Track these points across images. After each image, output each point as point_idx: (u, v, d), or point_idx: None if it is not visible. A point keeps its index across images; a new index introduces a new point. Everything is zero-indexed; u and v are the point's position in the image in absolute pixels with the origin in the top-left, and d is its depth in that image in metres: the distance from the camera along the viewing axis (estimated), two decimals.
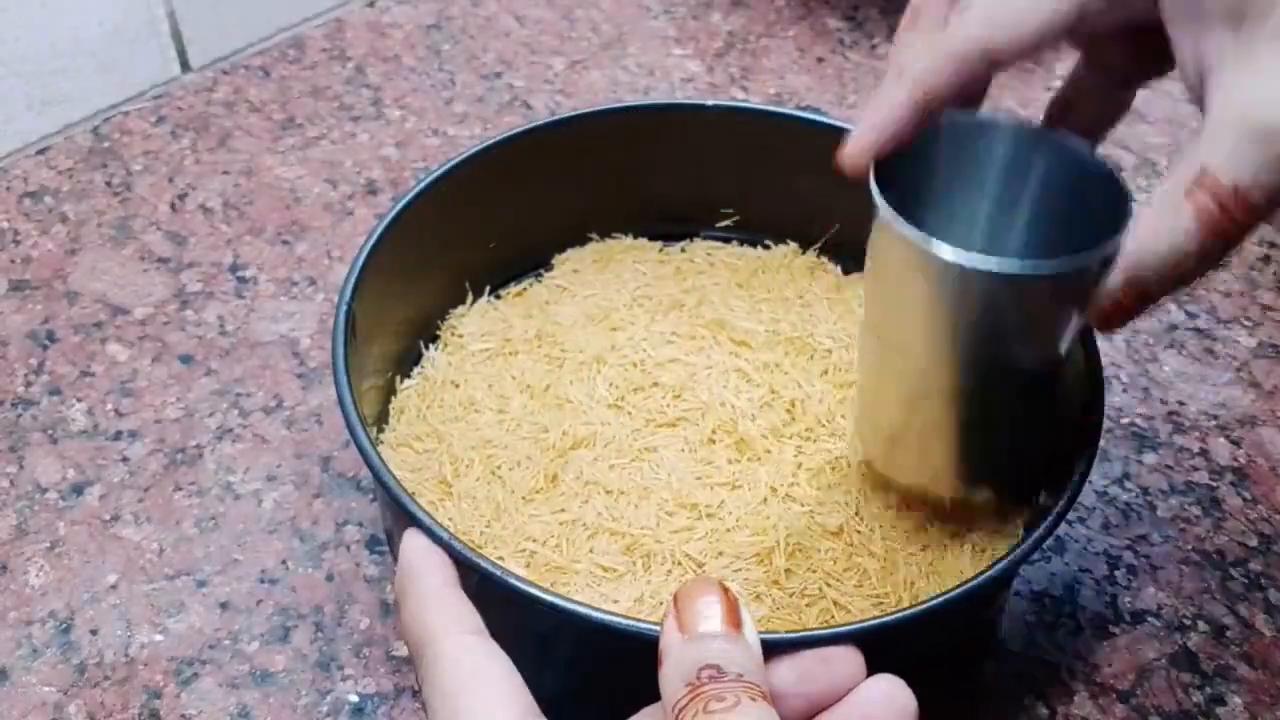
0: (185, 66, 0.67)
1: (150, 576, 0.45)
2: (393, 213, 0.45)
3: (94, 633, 0.44)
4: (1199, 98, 0.31)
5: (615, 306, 0.50)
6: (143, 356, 0.53)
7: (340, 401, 0.39)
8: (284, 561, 0.46)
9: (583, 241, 0.53)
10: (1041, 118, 0.39)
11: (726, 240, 0.54)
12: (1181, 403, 0.53)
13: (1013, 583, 0.45)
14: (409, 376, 0.48)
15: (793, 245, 0.53)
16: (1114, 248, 0.32)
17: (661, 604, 0.40)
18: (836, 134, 0.38)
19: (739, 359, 0.48)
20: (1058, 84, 0.39)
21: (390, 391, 0.48)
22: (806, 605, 0.41)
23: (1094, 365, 0.42)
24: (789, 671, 0.31)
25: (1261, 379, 0.54)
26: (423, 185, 0.47)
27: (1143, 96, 0.39)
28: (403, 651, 0.43)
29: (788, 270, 0.52)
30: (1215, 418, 0.53)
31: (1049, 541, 0.42)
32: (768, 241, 0.54)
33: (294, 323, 0.55)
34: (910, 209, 0.33)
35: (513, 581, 0.35)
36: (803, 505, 0.43)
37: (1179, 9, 0.30)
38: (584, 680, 0.41)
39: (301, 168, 0.63)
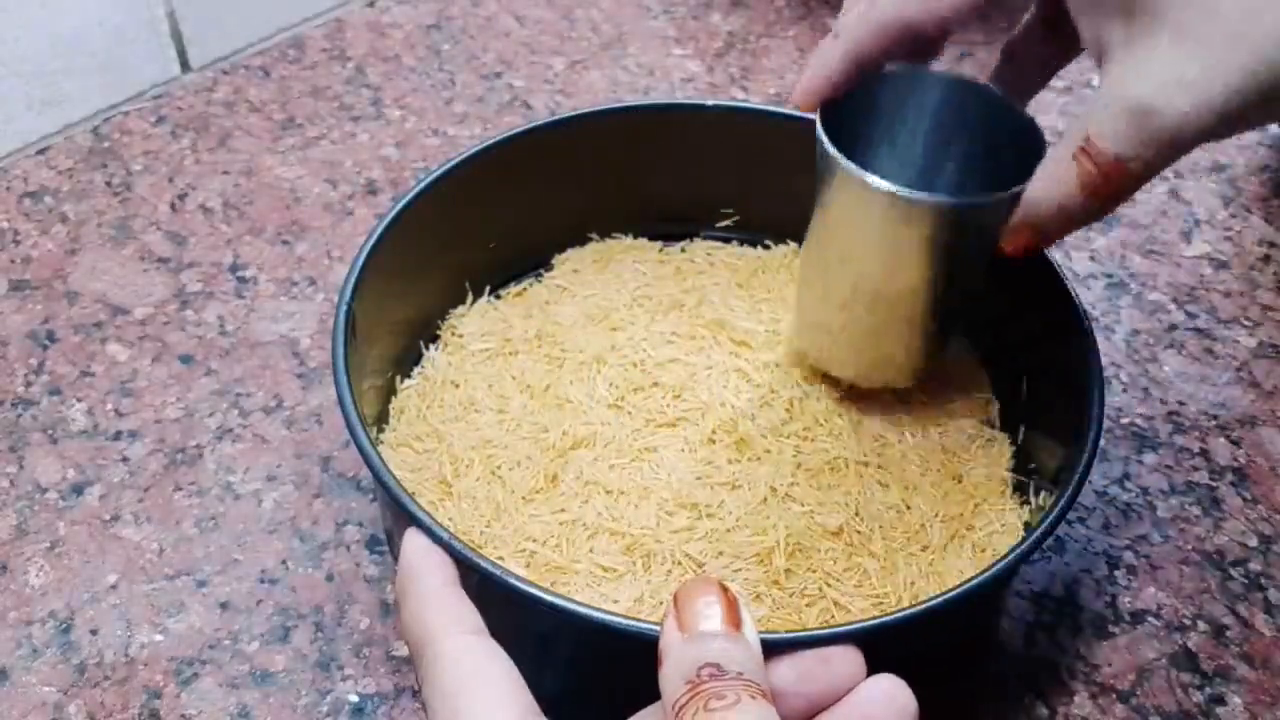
0: (185, 66, 0.67)
1: (150, 576, 0.45)
2: (393, 213, 0.45)
3: (94, 633, 0.44)
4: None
5: (615, 306, 0.50)
6: (143, 356, 0.53)
7: (340, 401, 0.39)
8: (284, 561, 0.46)
9: (583, 241, 0.53)
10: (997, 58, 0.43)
11: (726, 240, 0.54)
12: (1181, 403, 0.53)
13: (1013, 583, 0.45)
14: (409, 376, 0.48)
15: (793, 245, 0.53)
16: (1018, 191, 0.37)
17: (661, 604, 0.40)
18: None
19: (739, 359, 0.48)
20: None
21: (390, 391, 0.48)
22: (806, 605, 0.41)
23: (1094, 365, 0.42)
24: (789, 671, 0.31)
25: (1261, 379, 0.54)
26: (423, 185, 0.47)
27: None
28: (403, 651, 0.43)
29: (788, 270, 0.52)
30: (1215, 418, 0.53)
31: (1049, 541, 0.42)
32: (768, 241, 0.54)
33: (294, 323, 0.55)
34: (855, 149, 0.39)
35: (513, 581, 0.35)
36: (803, 505, 0.43)
37: (1085, 2, 0.34)
38: (584, 680, 0.41)
39: (301, 168, 0.63)
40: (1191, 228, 0.62)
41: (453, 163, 0.48)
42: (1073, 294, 0.44)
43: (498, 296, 0.52)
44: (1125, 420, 0.52)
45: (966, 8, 0.37)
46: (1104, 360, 0.43)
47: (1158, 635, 0.45)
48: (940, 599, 0.36)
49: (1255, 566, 0.47)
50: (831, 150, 0.39)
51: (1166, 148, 0.33)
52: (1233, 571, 0.47)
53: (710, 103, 0.52)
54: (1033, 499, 0.44)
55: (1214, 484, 0.50)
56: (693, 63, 0.70)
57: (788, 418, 0.46)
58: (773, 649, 0.37)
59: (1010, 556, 0.36)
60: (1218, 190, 0.64)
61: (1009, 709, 0.43)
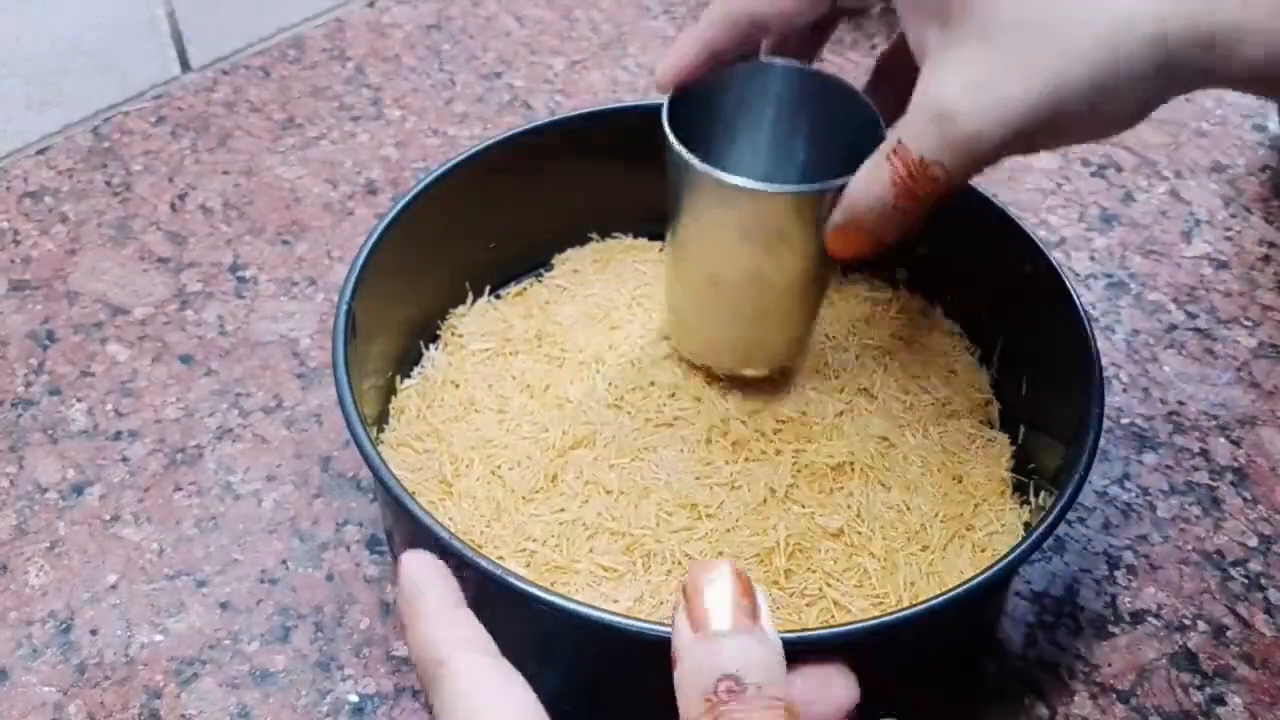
0: (185, 66, 0.67)
1: (150, 576, 0.45)
2: (393, 213, 0.45)
3: (94, 633, 0.44)
4: None
5: (615, 306, 0.50)
6: (143, 356, 0.53)
7: (340, 401, 0.39)
8: (284, 561, 0.46)
9: (583, 241, 0.53)
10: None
11: None
12: (1181, 403, 0.53)
13: (1012, 583, 0.45)
14: (409, 376, 0.48)
15: None
16: (842, 184, 0.38)
17: (662, 604, 0.40)
18: None
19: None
20: None
21: (390, 391, 0.48)
22: (806, 605, 0.41)
23: (1094, 365, 0.42)
24: (801, 685, 0.31)
25: (1261, 379, 0.54)
26: (423, 185, 0.47)
27: None
28: (403, 651, 0.43)
29: None
30: (1215, 418, 0.53)
31: (1049, 541, 0.42)
32: None
33: (294, 323, 0.55)
34: (705, 139, 0.41)
35: (513, 581, 0.35)
36: (803, 506, 0.43)
37: (907, 4, 0.35)
38: (584, 680, 0.41)
39: (301, 168, 0.63)
40: (1191, 228, 0.62)
41: (453, 163, 0.47)
42: (1073, 294, 0.44)
43: (498, 296, 0.52)
44: (1125, 420, 0.52)
45: (807, 5, 0.38)
46: (1104, 360, 0.43)
47: (1158, 635, 0.45)
48: (940, 599, 0.36)
49: (1255, 566, 0.47)
50: (668, 132, 0.39)
51: (966, 155, 0.33)
52: (1233, 571, 0.47)
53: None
54: (1033, 499, 0.44)
55: (1214, 484, 0.50)
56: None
57: (788, 418, 0.46)
58: None
59: (1010, 556, 0.36)
60: (1218, 190, 0.64)
61: (1009, 709, 0.43)
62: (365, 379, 0.44)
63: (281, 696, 0.42)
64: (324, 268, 0.57)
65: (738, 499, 0.43)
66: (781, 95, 0.43)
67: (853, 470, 0.44)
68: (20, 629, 0.44)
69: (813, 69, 0.42)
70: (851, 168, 0.37)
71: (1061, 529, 0.48)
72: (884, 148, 0.36)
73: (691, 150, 0.39)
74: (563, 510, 0.43)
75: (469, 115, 0.66)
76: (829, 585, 0.41)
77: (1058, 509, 0.37)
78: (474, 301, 0.51)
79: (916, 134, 0.34)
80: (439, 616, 0.31)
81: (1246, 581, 0.47)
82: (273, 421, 0.51)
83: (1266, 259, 0.60)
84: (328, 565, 0.46)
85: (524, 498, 0.43)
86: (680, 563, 0.41)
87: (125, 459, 0.49)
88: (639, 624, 0.35)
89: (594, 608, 0.35)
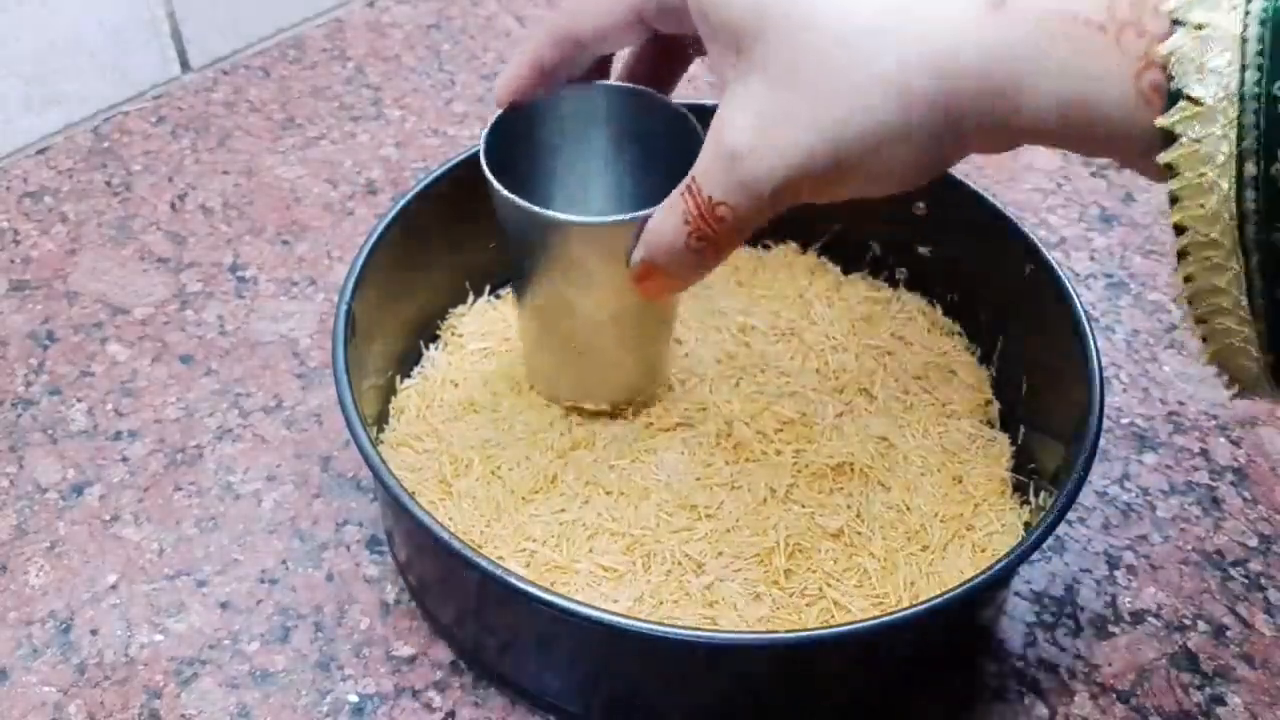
0: (185, 66, 0.67)
1: (150, 576, 0.45)
2: (393, 213, 0.45)
3: (94, 633, 0.44)
4: None
5: None
6: (143, 356, 0.53)
7: (340, 401, 0.39)
8: (284, 561, 0.46)
9: None
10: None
11: None
12: (1181, 403, 0.53)
13: (1012, 583, 0.45)
14: (409, 376, 0.48)
15: (793, 245, 0.53)
16: (643, 217, 0.36)
17: (661, 604, 0.40)
18: None
19: (738, 359, 0.48)
20: None
21: (390, 391, 0.48)
22: (806, 605, 0.41)
23: (1094, 365, 0.42)
24: None
25: None
26: (423, 185, 0.47)
27: None
28: (403, 651, 0.43)
29: (788, 270, 0.52)
30: (1215, 418, 0.53)
31: (1049, 541, 0.42)
32: (768, 241, 0.54)
33: (294, 323, 0.55)
34: (534, 163, 0.41)
35: (513, 581, 0.35)
36: (803, 506, 0.43)
37: (709, 34, 0.33)
38: (584, 679, 0.41)
39: (301, 168, 0.63)
40: None
41: (453, 163, 0.47)
42: (1073, 294, 0.44)
43: (498, 296, 0.52)
44: (1125, 420, 0.52)
45: (620, 22, 0.37)
46: (1104, 360, 0.43)
47: (1158, 635, 0.45)
48: (940, 599, 0.36)
49: (1255, 566, 0.47)
50: (492, 180, 0.38)
51: (752, 197, 0.32)
52: (1233, 571, 0.47)
53: (710, 103, 0.52)
54: (1033, 499, 0.44)
55: (1214, 484, 0.50)
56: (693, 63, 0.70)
57: (788, 419, 0.46)
58: (774, 649, 0.37)
59: (1010, 556, 0.36)
60: None
61: (1009, 709, 0.43)
62: (365, 379, 0.44)
63: (281, 696, 0.42)
64: (324, 268, 0.57)
65: (738, 499, 0.43)
66: (610, 116, 0.41)
67: (853, 470, 0.44)
68: (20, 629, 0.44)
69: (640, 88, 0.40)
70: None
71: (1061, 529, 0.48)
72: (681, 186, 0.34)
73: (521, 175, 0.38)
74: (563, 510, 0.43)
75: (469, 115, 0.66)
76: (829, 585, 0.41)
77: (1058, 509, 0.37)
78: (474, 301, 0.51)
79: (706, 171, 0.33)
80: None
81: (1246, 581, 0.47)
82: (273, 421, 0.51)
83: None
84: (328, 565, 0.46)
85: (524, 498, 0.43)
86: (680, 563, 0.41)
87: (125, 459, 0.49)
88: (639, 624, 0.35)
89: (594, 608, 0.35)
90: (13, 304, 0.55)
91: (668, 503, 0.43)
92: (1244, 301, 0.27)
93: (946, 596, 0.36)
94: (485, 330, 0.50)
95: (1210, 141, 0.25)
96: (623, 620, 0.35)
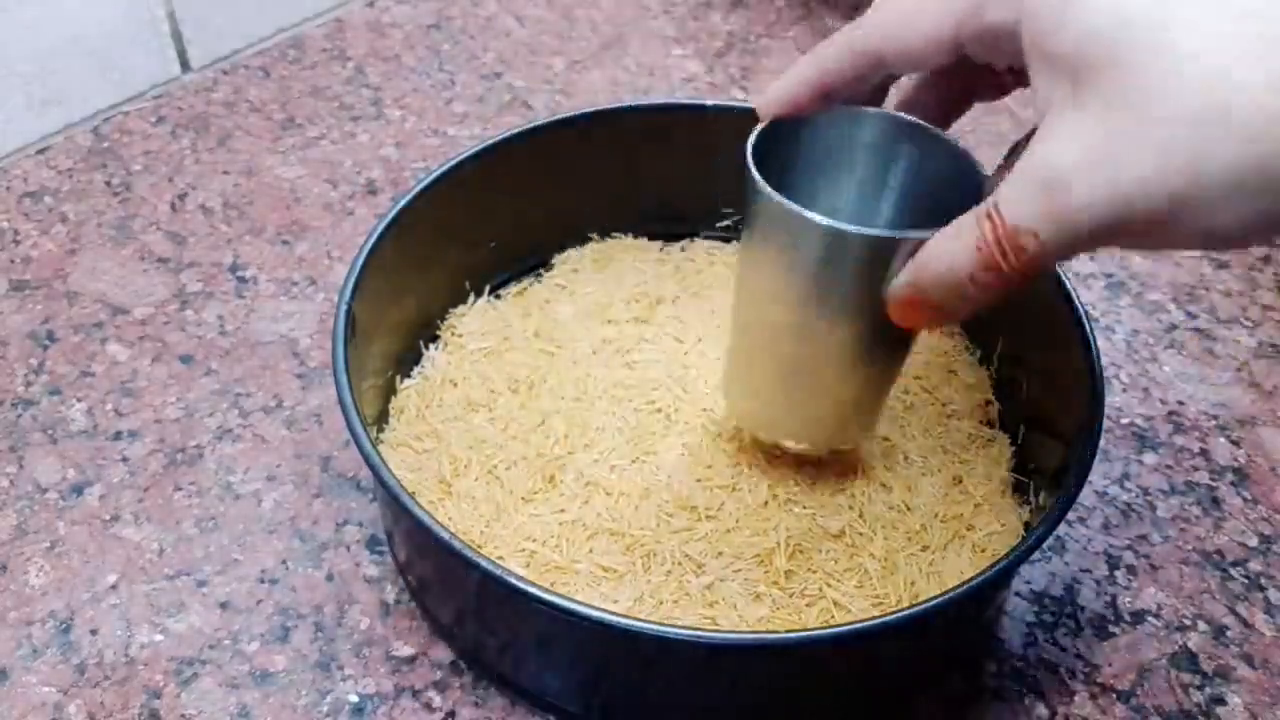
0: (185, 66, 0.67)
1: (150, 576, 0.45)
2: (393, 213, 0.45)
3: (94, 633, 0.44)
4: None
5: (614, 306, 0.50)
6: (143, 356, 0.53)
7: (340, 401, 0.39)
8: (284, 561, 0.46)
9: (583, 241, 0.53)
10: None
11: (726, 240, 0.54)
12: (1181, 403, 0.53)
13: (1012, 583, 0.45)
14: (409, 376, 0.48)
15: None
16: (918, 239, 0.33)
17: (661, 604, 0.40)
18: None
19: None
20: None
21: (390, 391, 0.48)
22: (807, 605, 0.41)
23: (1094, 365, 0.42)
24: None
25: (1261, 379, 0.54)
26: (423, 185, 0.47)
27: None
28: (403, 651, 0.43)
29: None
30: (1215, 418, 0.53)
31: (1049, 541, 0.42)
32: None
33: (294, 323, 0.55)
34: (788, 182, 0.37)
35: (514, 582, 0.35)
36: (804, 507, 0.43)
37: (1040, 61, 0.30)
38: (584, 679, 0.41)
39: (301, 168, 0.63)
40: None
41: (453, 163, 0.48)
42: (1073, 294, 0.44)
43: (497, 296, 0.52)
44: (1125, 420, 0.52)
45: (936, 51, 0.33)
46: (1104, 360, 0.43)
47: (1158, 635, 0.45)
48: (940, 599, 0.36)
49: (1255, 566, 0.47)
50: (757, 177, 0.35)
51: (1068, 230, 0.29)
52: (1233, 571, 0.47)
53: (710, 103, 0.52)
54: (1033, 499, 0.44)
55: (1214, 484, 0.50)
56: (693, 63, 0.70)
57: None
58: (774, 649, 0.37)
59: (1010, 557, 0.36)
60: None
61: (1009, 709, 0.43)
62: (365, 379, 0.44)
63: (281, 696, 0.42)
64: (324, 268, 0.57)
65: (738, 500, 0.43)
66: (876, 144, 0.38)
67: (853, 471, 0.44)
68: (20, 629, 0.44)
69: (916, 120, 0.37)
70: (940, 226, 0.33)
71: (1061, 529, 0.48)
72: (975, 211, 0.31)
73: (778, 187, 0.35)
74: (562, 511, 0.43)
75: (469, 115, 0.66)
76: (829, 586, 0.41)
77: (1058, 509, 0.37)
78: (474, 301, 0.51)
79: (1016, 198, 0.30)
80: None
81: (1246, 581, 0.47)
82: (273, 421, 0.51)
83: (1267, 259, 0.60)
84: (328, 565, 0.46)
85: (523, 498, 0.43)
86: (680, 563, 0.41)
87: (125, 459, 0.49)
88: (639, 624, 0.35)
89: (594, 608, 0.35)
90: (13, 304, 0.55)
91: (668, 503, 0.43)
92: None
93: (946, 596, 0.36)
94: (485, 330, 0.50)
95: None
96: (623, 620, 0.35)
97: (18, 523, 0.47)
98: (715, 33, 0.73)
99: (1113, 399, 0.53)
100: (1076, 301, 0.43)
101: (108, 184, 0.61)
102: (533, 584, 0.35)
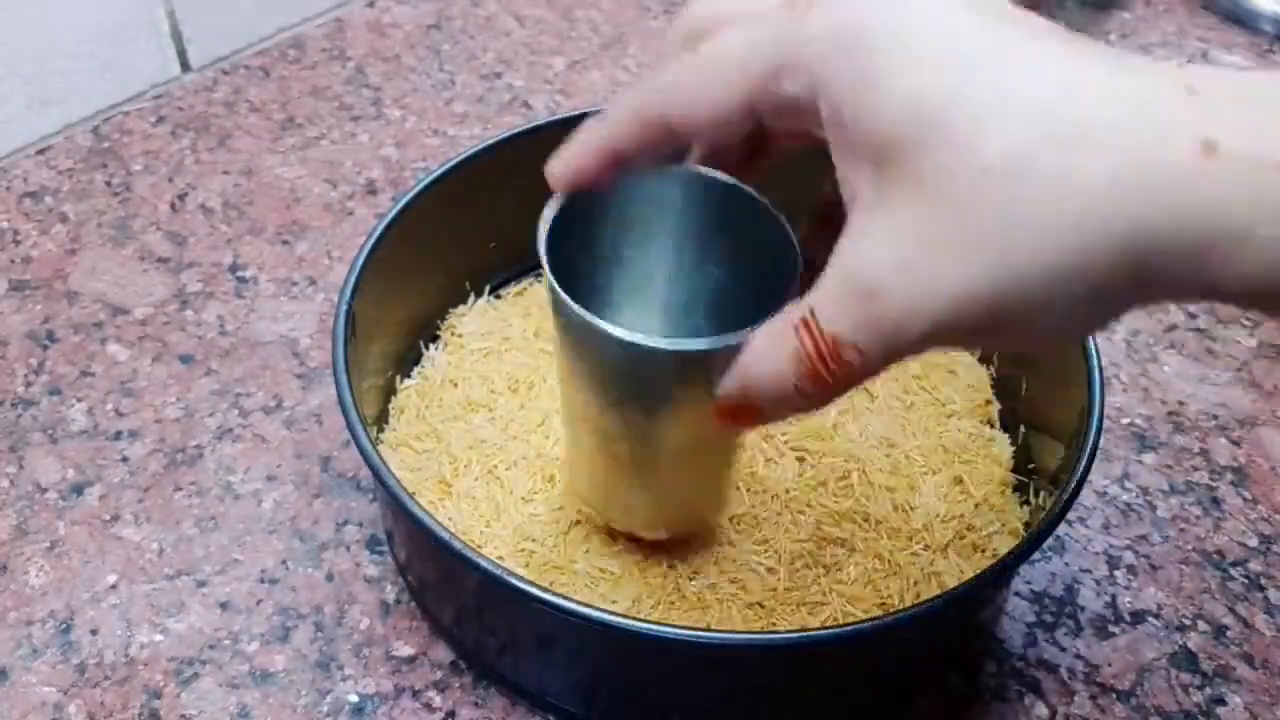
0: (185, 66, 0.67)
1: (150, 576, 0.45)
2: (393, 213, 0.45)
3: (94, 633, 0.44)
4: None
5: None
6: (143, 356, 0.53)
7: (340, 401, 0.39)
8: (284, 561, 0.46)
9: None
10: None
11: None
12: (1181, 403, 0.53)
13: (1013, 583, 0.45)
14: (409, 376, 0.48)
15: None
16: (737, 343, 0.30)
17: (660, 605, 0.40)
18: None
19: None
20: None
21: (390, 391, 0.48)
22: (808, 606, 0.41)
23: (1094, 365, 0.42)
24: None
25: (1261, 379, 0.54)
26: (423, 185, 0.47)
27: None
28: (403, 651, 0.43)
29: None
30: (1215, 418, 0.53)
31: (1049, 541, 0.42)
32: None
33: (294, 323, 0.55)
34: (600, 250, 0.35)
35: (513, 581, 0.35)
36: (806, 507, 0.43)
37: (843, 142, 0.28)
38: (584, 679, 0.41)
39: (301, 168, 0.63)
40: None
41: (453, 163, 0.48)
42: None
43: (497, 296, 0.52)
44: (1125, 420, 0.52)
45: (727, 121, 0.30)
46: (1104, 360, 0.43)
47: (1158, 635, 0.45)
48: (940, 599, 0.36)
49: (1255, 566, 0.47)
50: (554, 284, 0.33)
51: (889, 340, 0.27)
52: (1233, 571, 0.47)
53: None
54: (1033, 499, 0.44)
55: (1214, 484, 0.50)
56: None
57: (789, 421, 0.46)
58: (774, 649, 0.37)
59: (1010, 557, 0.36)
60: None
61: (1009, 709, 0.43)
62: (365, 379, 0.44)
63: (281, 696, 0.42)
64: (324, 268, 0.57)
65: (738, 500, 0.43)
66: (687, 207, 0.35)
67: (855, 472, 0.44)
68: (20, 629, 0.44)
69: (728, 180, 0.34)
70: (759, 313, 0.30)
71: (1061, 529, 0.48)
72: (791, 315, 0.29)
73: (584, 261, 0.34)
74: (561, 511, 0.43)
75: (469, 115, 0.66)
76: (832, 587, 0.41)
77: (1058, 509, 0.37)
78: (474, 301, 0.51)
79: (832, 308, 0.28)
80: None
81: (1246, 581, 0.47)
82: (273, 421, 0.51)
83: None
84: (328, 565, 0.46)
85: (523, 498, 0.43)
86: (678, 565, 0.41)
87: (125, 459, 0.49)
88: (640, 624, 0.35)
89: (594, 608, 0.35)
90: (13, 304, 0.55)
91: None
92: None
93: (946, 596, 0.36)
94: (485, 330, 0.50)
95: None
96: (623, 620, 0.35)
97: (18, 523, 0.47)
98: None
99: (1113, 399, 0.53)
100: None
101: (108, 184, 0.61)
102: (533, 584, 0.35)
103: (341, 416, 0.39)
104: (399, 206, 0.46)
